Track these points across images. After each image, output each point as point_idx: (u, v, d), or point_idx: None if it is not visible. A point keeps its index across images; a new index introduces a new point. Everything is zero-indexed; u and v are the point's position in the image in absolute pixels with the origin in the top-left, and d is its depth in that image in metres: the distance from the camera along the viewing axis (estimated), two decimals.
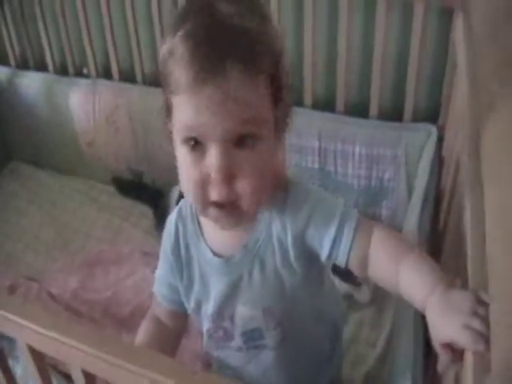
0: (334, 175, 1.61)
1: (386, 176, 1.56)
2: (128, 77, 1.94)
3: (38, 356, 0.90)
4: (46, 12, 1.99)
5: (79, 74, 2.03)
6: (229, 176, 0.80)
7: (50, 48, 2.04)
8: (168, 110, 0.85)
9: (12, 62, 2.13)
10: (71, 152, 2.08)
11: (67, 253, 1.87)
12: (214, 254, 0.96)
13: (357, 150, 1.56)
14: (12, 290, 1.68)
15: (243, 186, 0.81)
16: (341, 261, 0.89)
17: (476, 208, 0.79)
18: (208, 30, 0.77)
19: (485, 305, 0.67)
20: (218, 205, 0.83)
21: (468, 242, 0.77)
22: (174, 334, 1.12)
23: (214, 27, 0.78)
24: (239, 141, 0.80)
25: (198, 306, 1.02)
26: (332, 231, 0.88)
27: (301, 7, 1.57)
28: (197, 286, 1.00)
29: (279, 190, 0.91)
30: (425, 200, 1.35)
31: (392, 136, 1.52)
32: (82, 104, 1.96)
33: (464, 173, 0.91)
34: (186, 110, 0.79)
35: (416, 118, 1.55)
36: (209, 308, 1.00)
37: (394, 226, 1.57)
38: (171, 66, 0.80)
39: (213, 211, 0.85)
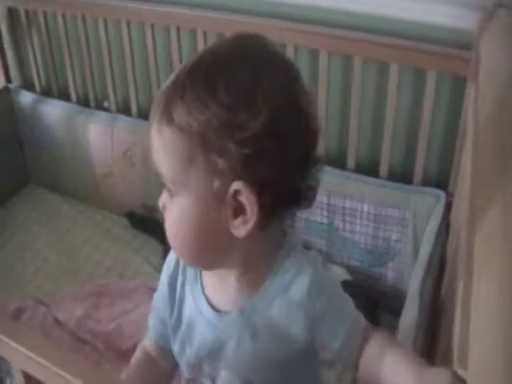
0: (341, 231, 1.62)
1: (393, 237, 1.56)
2: (146, 115, 1.94)
3: (31, 381, 0.89)
4: (72, 45, 2.04)
5: (100, 106, 2.06)
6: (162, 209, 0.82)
7: (74, 79, 2.09)
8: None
9: (37, 88, 2.18)
10: (87, 181, 2.11)
11: (76, 280, 1.90)
12: (209, 303, 0.90)
13: (365, 208, 1.56)
14: (19, 312, 1.71)
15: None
16: (338, 366, 0.87)
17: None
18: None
19: (462, 382, 0.66)
20: None
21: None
22: (164, 372, 1.04)
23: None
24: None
25: (182, 349, 0.96)
26: (339, 341, 0.84)
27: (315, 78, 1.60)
28: (184, 326, 0.94)
29: (289, 265, 0.85)
30: (429, 265, 1.35)
31: (401, 197, 1.53)
32: (101, 136, 2.00)
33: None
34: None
35: (425, 182, 1.55)
36: (191, 356, 0.94)
37: (399, 289, 1.58)
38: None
39: None
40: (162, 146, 0.75)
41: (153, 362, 1.03)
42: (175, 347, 0.97)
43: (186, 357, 0.95)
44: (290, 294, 0.84)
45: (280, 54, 0.79)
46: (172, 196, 0.79)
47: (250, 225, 0.76)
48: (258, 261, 0.84)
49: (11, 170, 2.23)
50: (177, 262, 0.94)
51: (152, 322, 1.02)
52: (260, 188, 0.74)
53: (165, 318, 0.97)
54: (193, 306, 0.91)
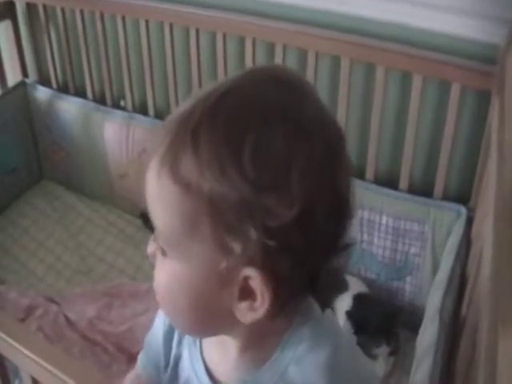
0: (359, 243, 1.60)
1: (412, 251, 1.54)
2: (163, 115, 1.95)
3: None
4: (90, 42, 2.02)
5: (116, 105, 2.05)
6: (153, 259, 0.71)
7: (91, 76, 2.07)
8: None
9: (54, 84, 2.17)
10: (102, 181, 2.10)
11: (88, 280, 1.89)
12: (206, 369, 0.77)
13: (384, 220, 1.54)
14: (30, 310, 1.71)
15: None
16: None
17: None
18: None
19: None
20: None
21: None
22: None
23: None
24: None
25: None
26: None
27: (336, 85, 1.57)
28: None
29: (302, 336, 0.71)
30: (449, 282, 1.33)
31: (420, 211, 1.51)
32: (117, 136, 1.99)
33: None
34: None
35: (446, 197, 1.53)
36: None
37: (417, 304, 1.57)
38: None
39: None
40: (160, 197, 0.62)
41: None
42: None
43: None
44: (300, 374, 0.71)
45: (325, 112, 0.64)
46: (164, 254, 0.66)
47: (259, 314, 0.63)
48: (265, 335, 0.71)
49: (26, 165, 2.23)
50: None
51: (142, 361, 0.93)
52: (277, 279, 0.60)
53: (159, 365, 0.88)
54: (189, 368, 0.80)
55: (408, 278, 1.57)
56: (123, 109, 2.03)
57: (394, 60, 1.49)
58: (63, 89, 2.16)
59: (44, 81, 2.20)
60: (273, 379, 0.72)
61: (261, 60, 1.69)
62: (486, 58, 1.39)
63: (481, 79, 1.39)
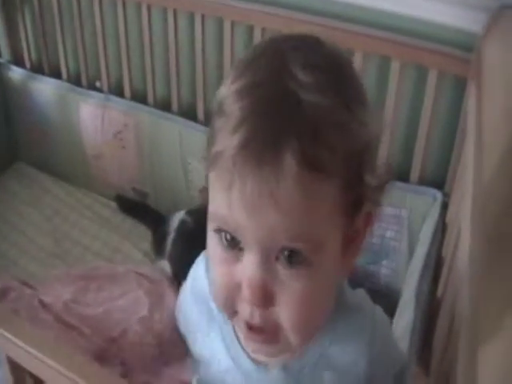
0: None
1: (388, 235, 1.55)
2: (139, 97, 1.93)
3: (16, 368, 0.88)
4: (65, 21, 1.98)
5: (92, 86, 2.02)
6: (266, 296, 0.60)
7: (66, 56, 2.04)
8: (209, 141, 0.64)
9: (28, 65, 2.13)
10: (77, 162, 2.08)
11: (63, 263, 1.87)
12: (244, 350, 0.75)
13: None
14: (4, 293, 1.69)
15: (285, 315, 0.61)
16: None
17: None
18: (270, 96, 0.58)
19: None
20: (250, 326, 0.64)
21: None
22: None
23: (277, 95, 0.58)
24: (286, 257, 0.59)
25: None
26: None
27: None
28: (212, 368, 0.81)
29: (341, 319, 0.73)
30: (425, 266, 1.34)
31: (397, 195, 1.52)
32: (92, 117, 1.96)
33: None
34: (219, 196, 0.60)
35: (422, 182, 1.54)
36: None
37: (393, 287, 1.59)
38: (216, 123, 0.62)
39: (243, 328, 0.65)
40: (306, 198, 0.57)
41: None
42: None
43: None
44: (342, 352, 0.73)
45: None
46: (304, 268, 0.60)
47: (359, 252, 0.66)
48: None
49: None
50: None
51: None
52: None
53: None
54: (222, 349, 0.77)
55: (384, 262, 1.59)
56: (99, 90, 2.00)
57: (372, 45, 1.49)
58: (37, 69, 2.12)
59: (18, 61, 2.16)
60: (313, 359, 0.73)
61: None
62: (463, 45, 1.40)
63: (458, 66, 1.40)
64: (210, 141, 0.62)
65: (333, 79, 0.61)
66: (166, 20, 1.77)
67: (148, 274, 1.71)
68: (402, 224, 1.53)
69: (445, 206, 1.47)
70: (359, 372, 0.72)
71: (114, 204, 2.05)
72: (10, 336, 0.84)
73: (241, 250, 0.61)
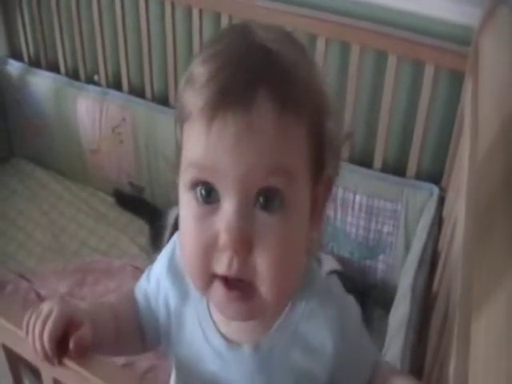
0: (332, 221, 1.61)
1: (385, 229, 1.56)
2: (137, 91, 1.93)
3: (11, 355, 0.87)
4: (63, 15, 1.99)
5: (90, 80, 2.02)
6: (245, 241, 0.60)
7: (63, 50, 2.04)
8: (178, 146, 0.67)
9: (25, 59, 2.13)
10: (74, 157, 2.08)
11: (60, 257, 1.87)
12: (217, 330, 0.75)
13: (357, 199, 1.55)
14: (0, 286, 1.69)
15: (263, 262, 0.61)
16: None
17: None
18: (237, 50, 0.62)
19: None
20: (226, 282, 0.63)
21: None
22: (136, 336, 0.87)
23: (245, 47, 0.62)
24: (264, 201, 0.61)
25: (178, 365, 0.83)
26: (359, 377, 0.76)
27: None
28: (183, 349, 0.80)
29: (310, 295, 0.73)
30: (421, 260, 1.35)
31: (394, 190, 1.52)
32: (90, 111, 1.96)
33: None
34: (196, 143, 0.61)
35: (419, 176, 1.54)
36: (190, 378, 0.81)
37: (389, 282, 1.59)
38: (185, 92, 0.64)
39: (217, 291, 0.64)
40: (282, 131, 0.60)
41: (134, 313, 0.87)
42: (166, 350, 0.85)
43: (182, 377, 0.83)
44: (310, 329, 0.72)
45: None
46: (282, 210, 0.61)
47: (321, 220, 0.70)
48: None
49: None
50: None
51: (138, 295, 0.87)
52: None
53: (153, 307, 0.84)
54: (196, 327, 0.77)
55: (381, 257, 1.59)
56: (97, 84, 2.00)
57: (369, 39, 1.49)
58: (35, 63, 2.12)
59: (15, 55, 2.16)
60: (285, 336, 0.73)
61: None
62: (460, 40, 1.40)
63: (454, 60, 1.41)
64: (181, 104, 0.64)
65: (297, 47, 0.66)
66: (163, 14, 1.77)
67: (144, 267, 1.71)
68: (399, 219, 1.53)
69: (441, 201, 1.47)
70: (327, 354, 0.72)
71: (110, 199, 2.05)
72: (4, 323, 0.83)
73: (217, 201, 0.61)
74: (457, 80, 1.44)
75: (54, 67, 2.08)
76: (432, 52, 1.43)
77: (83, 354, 0.75)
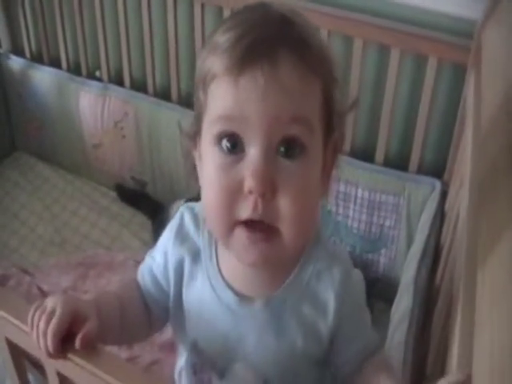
0: (334, 215, 1.61)
1: (387, 223, 1.56)
2: (139, 86, 1.93)
3: (15, 350, 0.87)
4: (65, 10, 1.98)
5: (92, 76, 2.02)
6: (270, 184, 0.65)
7: (65, 46, 2.04)
8: (199, 111, 0.72)
9: (27, 54, 2.13)
10: (77, 151, 2.08)
11: (63, 251, 1.88)
12: (228, 286, 0.80)
13: (359, 193, 1.55)
14: (3, 280, 1.69)
15: (285, 205, 0.66)
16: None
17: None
18: (258, 19, 0.69)
19: None
20: (250, 226, 0.68)
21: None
22: (143, 319, 0.90)
23: (264, 16, 0.69)
24: (286, 149, 0.66)
25: (185, 331, 0.86)
26: (346, 357, 0.81)
27: None
28: (191, 308, 0.84)
29: (319, 255, 0.79)
30: (423, 254, 1.35)
31: (396, 184, 1.52)
32: (92, 106, 1.96)
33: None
34: (224, 98, 0.66)
35: (421, 170, 1.54)
36: (199, 342, 0.84)
37: (391, 276, 1.59)
38: (209, 58, 0.69)
39: (240, 235, 0.69)
40: (302, 85, 0.67)
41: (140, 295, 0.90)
42: (175, 324, 0.89)
43: (190, 340, 0.86)
44: (318, 288, 0.78)
45: None
46: (302, 157, 0.68)
47: (328, 185, 0.77)
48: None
49: None
50: (187, 229, 0.84)
51: (143, 279, 0.90)
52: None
53: (159, 283, 0.88)
54: (206, 286, 0.81)
55: (383, 251, 1.59)
56: (99, 79, 2.00)
57: (372, 33, 1.49)
58: (37, 58, 2.12)
59: (17, 50, 2.16)
60: (296, 292, 0.78)
61: None
62: (462, 33, 1.39)
63: (457, 53, 1.40)
64: (204, 70, 0.70)
65: (308, 20, 0.74)
66: (165, 9, 1.77)
67: None
68: (401, 213, 1.53)
69: (444, 195, 1.47)
70: (329, 312, 0.78)
71: (113, 193, 2.05)
72: (8, 317, 0.83)
73: (242, 151, 0.66)
74: (459, 73, 1.44)
75: (56, 62, 2.08)
76: (434, 45, 1.42)
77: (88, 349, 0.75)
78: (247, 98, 0.64)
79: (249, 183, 0.65)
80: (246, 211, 0.66)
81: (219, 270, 0.81)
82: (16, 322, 0.82)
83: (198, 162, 0.75)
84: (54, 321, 0.74)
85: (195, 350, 0.85)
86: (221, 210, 0.68)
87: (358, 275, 0.84)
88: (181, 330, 0.88)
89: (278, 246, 0.69)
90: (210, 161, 0.69)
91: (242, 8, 0.73)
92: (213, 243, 0.82)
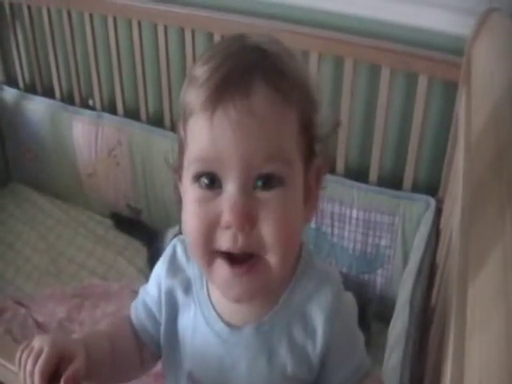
0: (329, 237, 1.59)
1: (383, 243, 1.54)
2: (132, 114, 1.94)
3: None
4: (57, 40, 2.00)
5: (85, 104, 2.03)
6: (247, 219, 0.65)
7: (58, 76, 2.05)
8: (181, 146, 0.73)
9: (21, 85, 2.14)
10: (71, 181, 2.08)
11: (58, 281, 1.86)
12: (218, 314, 0.80)
13: (354, 213, 1.54)
14: None
15: (267, 233, 0.66)
16: None
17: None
18: (234, 50, 0.69)
19: None
20: (231, 259, 0.68)
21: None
22: (135, 356, 0.90)
23: (241, 47, 0.70)
24: (263, 183, 0.67)
25: (178, 361, 0.85)
26: (339, 379, 0.79)
27: None
28: (184, 337, 0.84)
29: (309, 277, 0.78)
30: (418, 274, 1.33)
31: (390, 203, 1.51)
32: (85, 135, 1.97)
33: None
34: (200, 136, 0.67)
35: (415, 188, 1.54)
36: (192, 372, 0.83)
37: (389, 296, 1.57)
38: (187, 92, 0.70)
39: (221, 268, 0.69)
40: (277, 118, 0.67)
41: (132, 332, 0.89)
42: (167, 357, 0.88)
43: (183, 371, 0.85)
44: (308, 310, 0.77)
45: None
46: (280, 188, 0.67)
47: (314, 210, 0.76)
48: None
49: None
50: (178, 259, 0.84)
51: (135, 308, 0.90)
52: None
53: (152, 314, 0.88)
54: (198, 316, 0.81)
55: (379, 271, 1.58)
56: (92, 108, 2.01)
57: (362, 53, 1.49)
58: (30, 89, 2.14)
59: (11, 81, 2.18)
60: (285, 317, 0.78)
61: None
62: (452, 50, 1.40)
63: (448, 71, 1.40)
64: (184, 104, 0.71)
65: (286, 48, 0.73)
66: (156, 36, 1.78)
67: None
68: (396, 232, 1.52)
69: (439, 212, 1.46)
70: (318, 336, 0.77)
71: (108, 221, 2.05)
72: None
73: (219, 188, 0.67)
74: (450, 90, 1.43)
75: (49, 92, 2.09)
76: (425, 63, 1.42)
77: None
78: (221, 136, 0.65)
79: (226, 218, 0.65)
80: (225, 243, 0.67)
81: (210, 301, 0.81)
82: (3, 361, 0.82)
83: (182, 194, 0.75)
84: (41, 362, 0.74)
85: (191, 380, 0.84)
86: (200, 241, 0.68)
87: (349, 297, 0.82)
88: (173, 363, 0.87)
89: (263, 276, 0.69)
90: (190, 195, 0.70)
91: (221, 40, 0.75)
92: (203, 274, 0.82)
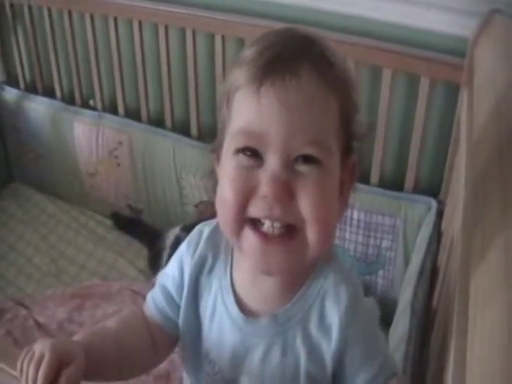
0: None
1: (384, 245, 1.54)
2: (133, 114, 1.93)
3: None
4: (58, 40, 1.99)
5: (86, 104, 2.02)
6: (286, 192, 0.67)
7: (59, 76, 2.04)
8: (223, 125, 0.75)
9: (21, 85, 2.14)
10: (72, 180, 2.08)
11: (59, 282, 1.86)
12: (237, 302, 0.81)
13: (355, 215, 1.54)
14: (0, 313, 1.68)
15: (306, 206, 0.68)
16: None
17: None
18: (282, 36, 0.72)
19: None
20: (264, 234, 0.69)
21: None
22: (150, 344, 0.89)
23: (289, 35, 0.72)
24: (303, 160, 0.68)
25: (198, 342, 0.86)
26: (365, 376, 0.78)
27: None
28: (204, 320, 0.85)
29: (328, 274, 0.78)
30: (420, 276, 1.33)
31: (391, 205, 1.51)
32: (86, 135, 1.96)
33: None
34: (246, 110, 0.69)
35: (417, 190, 1.53)
36: (209, 352, 0.85)
37: (390, 297, 1.57)
38: (234, 70, 0.72)
39: (250, 236, 0.70)
40: (322, 104, 0.69)
41: (144, 325, 0.89)
42: (186, 337, 0.88)
43: (202, 349, 0.86)
44: (325, 308, 0.78)
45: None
46: (319, 168, 0.68)
47: (345, 207, 0.78)
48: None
49: None
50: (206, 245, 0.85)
51: (153, 295, 0.91)
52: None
53: (171, 295, 0.88)
54: (218, 300, 0.83)
55: (380, 272, 1.57)
56: (92, 108, 2.00)
57: (364, 54, 1.49)
58: (31, 89, 2.13)
59: (11, 81, 2.17)
60: (301, 312, 0.78)
61: None
62: (454, 51, 1.39)
63: (449, 72, 1.40)
64: (230, 81, 0.72)
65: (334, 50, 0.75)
66: (157, 36, 1.78)
67: (142, 291, 1.70)
68: (398, 233, 1.52)
69: (440, 214, 1.45)
70: (332, 336, 0.77)
71: (109, 221, 2.04)
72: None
73: (261, 159, 0.68)
74: (452, 92, 1.43)
75: (50, 93, 2.08)
76: (427, 65, 1.42)
77: None
78: (267, 111, 0.66)
79: (265, 188, 0.67)
80: (261, 211, 0.68)
81: (232, 285, 0.82)
82: (5, 367, 0.82)
83: (218, 174, 0.77)
84: (43, 368, 0.74)
85: (207, 360, 0.86)
86: (234, 209, 0.69)
87: (369, 303, 0.83)
88: (193, 344, 0.87)
89: (298, 250, 0.70)
90: (230, 164, 0.71)
91: (268, 31, 0.76)
92: (229, 258, 0.84)
